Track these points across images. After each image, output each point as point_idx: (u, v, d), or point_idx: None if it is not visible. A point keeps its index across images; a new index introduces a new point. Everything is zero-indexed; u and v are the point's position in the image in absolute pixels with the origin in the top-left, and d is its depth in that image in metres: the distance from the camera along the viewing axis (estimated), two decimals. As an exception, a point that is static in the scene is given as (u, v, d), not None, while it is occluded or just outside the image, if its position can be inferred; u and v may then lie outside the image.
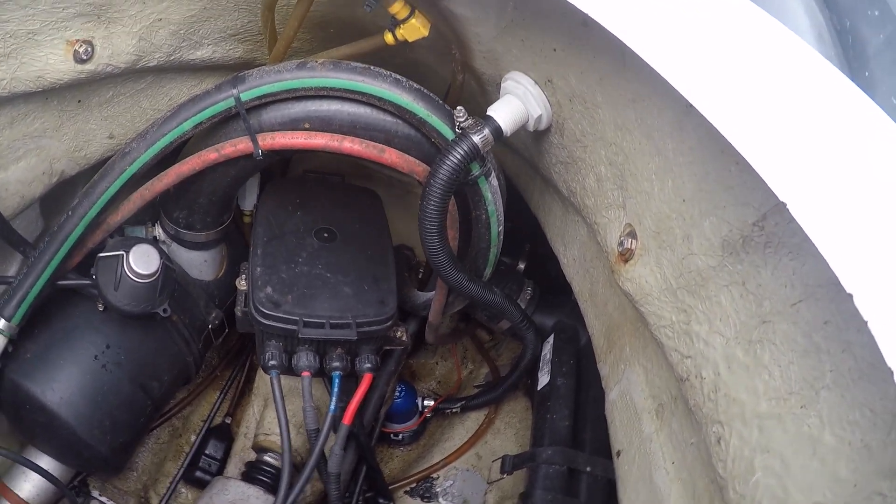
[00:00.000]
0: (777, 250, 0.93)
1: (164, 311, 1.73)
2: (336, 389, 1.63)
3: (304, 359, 1.65)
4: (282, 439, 1.59)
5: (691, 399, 1.09)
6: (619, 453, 1.42)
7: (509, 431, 2.35)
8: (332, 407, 1.60)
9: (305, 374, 1.64)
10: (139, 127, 1.74)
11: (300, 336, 1.62)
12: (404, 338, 1.86)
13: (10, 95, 1.47)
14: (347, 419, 1.64)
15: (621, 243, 1.32)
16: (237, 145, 1.54)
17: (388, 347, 1.95)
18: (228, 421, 2.35)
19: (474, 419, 2.39)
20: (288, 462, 1.58)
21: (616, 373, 1.47)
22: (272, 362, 1.65)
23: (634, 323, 1.41)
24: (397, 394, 2.26)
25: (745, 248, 0.99)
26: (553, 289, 2.14)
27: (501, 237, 1.70)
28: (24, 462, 1.60)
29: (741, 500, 0.92)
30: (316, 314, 1.64)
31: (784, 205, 0.79)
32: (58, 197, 1.85)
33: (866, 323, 0.69)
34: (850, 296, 0.71)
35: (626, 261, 1.30)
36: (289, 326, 1.63)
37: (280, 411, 1.58)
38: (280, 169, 2.34)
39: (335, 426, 1.65)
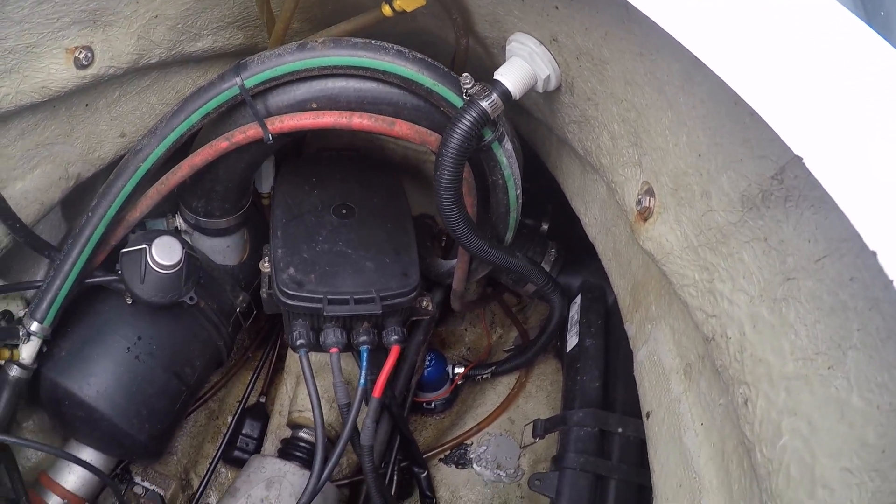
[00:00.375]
0: (798, 204, 0.90)
1: (191, 298, 1.75)
2: (364, 363, 1.65)
3: (332, 335, 1.66)
4: (314, 415, 1.60)
5: (718, 359, 1.07)
6: (648, 414, 1.41)
7: (541, 394, 2.35)
8: (362, 381, 1.62)
9: (333, 350, 1.65)
10: (149, 123, 1.74)
11: (325, 314, 1.63)
12: (430, 307, 1.85)
13: (17, 109, 1.47)
14: (377, 392, 1.65)
15: (639, 202, 1.29)
16: (247, 132, 1.54)
17: (414, 318, 1.95)
18: (263, 400, 2.38)
19: (505, 384, 2.40)
20: (321, 437, 1.60)
21: (643, 333, 1.46)
22: (300, 341, 1.66)
23: (659, 281, 1.39)
24: (427, 363, 2.27)
25: (766, 203, 0.96)
26: (578, 248, 2.12)
27: (520, 200, 1.68)
28: (67, 456, 1.63)
29: (769, 463, 0.90)
30: (339, 291, 1.65)
31: (800, 158, 0.76)
32: (77, 199, 1.86)
33: (892, 282, 0.66)
34: (874, 253, 0.68)
35: (646, 219, 1.28)
36: (313, 305, 1.64)
37: (311, 388, 1.59)
38: (294, 149, 2.33)
39: (366, 399, 1.66)
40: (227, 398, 2.43)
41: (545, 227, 2.24)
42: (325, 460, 1.60)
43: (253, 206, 1.99)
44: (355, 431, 1.70)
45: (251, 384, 2.42)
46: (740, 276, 1.03)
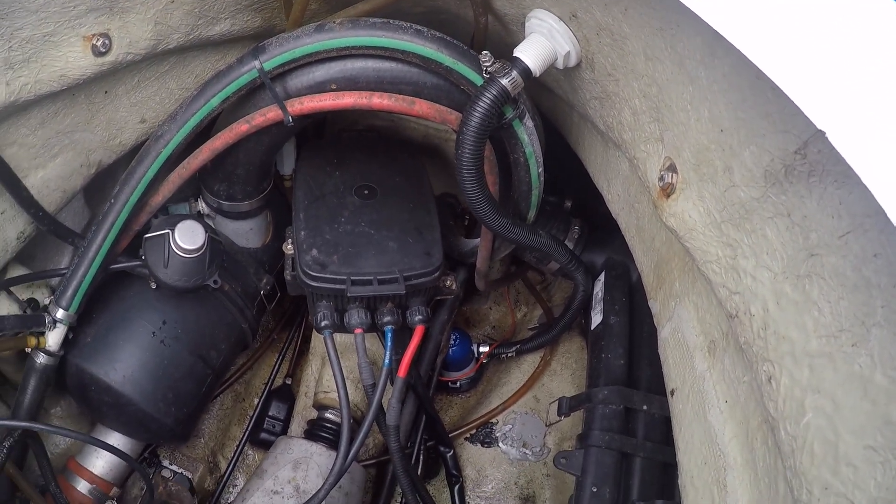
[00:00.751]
0: (822, 179, 0.88)
1: (215, 282, 1.75)
2: (389, 343, 1.65)
3: (356, 316, 1.66)
4: (339, 396, 1.61)
5: (742, 336, 1.06)
6: (673, 391, 1.40)
7: (566, 372, 2.35)
8: (387, 361, 1.62)
9: (358, 331, 1.65)
10: (169, 108, 1.75)
11: (349, 295, 1.63)
12: (454, 287, 1.85)
13: (36, 98, 1.48)
14: (402, 372, 1.65)
15: (662, 178, 1.28)
16: (267, 114, 1.54)
17: (438, 297, 1.95)
18: (289, 382, 2.39)
19: (530, 362, 2.40)
20: (347, 418, 1.61)
21: (667, 310, 1.45)
22: (324, 322, 1.67)
23: (682, 258, 1.38)
24: (452, 342, 2.27)
25: (789, 178, 0.95)
26: (602, 225, 2.11)
27: (542, 178, 1.67)
28: (95, 441, 1.66)
29: (793, 441, 0.89)
30: (363, 272, 1.65)
31: (823, 133, 0.75)
32: (100, 186, 1.88)
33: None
34: (898, 229, 0.67)
35: (668, 195, 1.27)
36: (337, 286, 1.64)
37: (336, 369, 1.60)
38: (315, 131, 2.33)
39: (391, 379, 1.66)
40: (253, 381, 2.46)
41: (568, 204, 2.23)
42: (351, 441, 1.61)
43: (275, 189, 1.99)
44: (381, 412, 1.71)
45: (277, 366, 2.44)
46: (763, 252, 1.02)
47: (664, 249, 1.47)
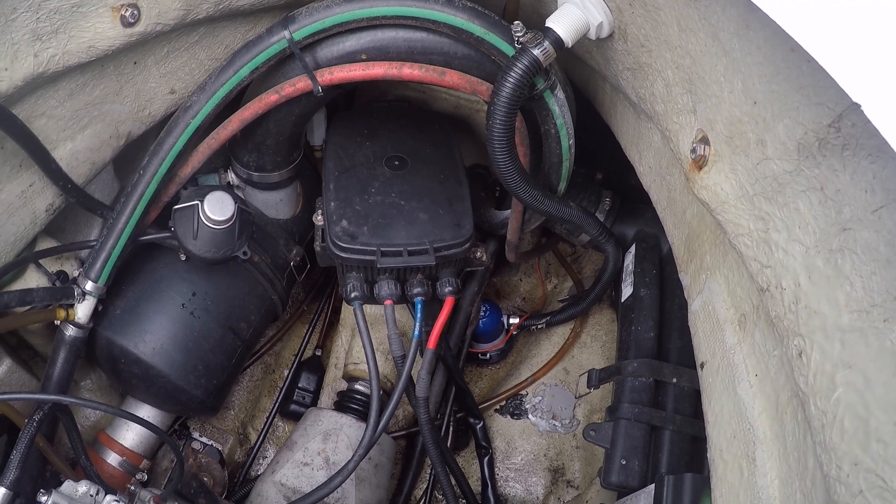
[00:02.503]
0: (855, 153, 0.87)
1: (244, 253, 1.77)
2: (419, 315, 1.65)
3: (386, 287, 1.67)
4: (368, 368, 1.62)
5: (772, 310, 1.05)
6: (702, 365, 1.40)
7: (595, 344, 2.35)
8: (416, 332, 1.62)
9: (388, 302, 1.65)
10: (199, 78, 1.75)
11: (379, 266, 1.64)
12: (484, 258, 1.84)
13: (65, 69, 1.48)
14: (432, 343, 1.65)
15: (694, 150, 1.27)
16: (296, 84, 1.54)
17: (469, 269, 1.95)
18: (319, 353, 2.42)
19: (560, 334, 2.40)
20: (376, 389, 1.62)
21: (697, 283, 1.44)
22: (354, 293, 1.68)
23: (714, 231, 1.37)
24: (482, 313, 2.28)
25: (822, 151, 0.93)
26: (633, 197, 2.10)
27: (573, 150, 1.66)
28: (125, 414, 1.67)
29: (823, 416, 0.89)
30: (393, 243, 1.65)
31: (858, 106, 0.74)
32: (129, 158, 1.89)
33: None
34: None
35: (700, 168, 1.25)
36: (367, 257, 1.64)
37: (365, 341, 1.61)
38: (345, 101, 2.33)
39: (421, 351, 1.67)
40: (283, 352, 2.48)
41: (599, 176, 2.22)
42: (381, 412, 1.62)
43: (305, 160, 2.00)
44: (410, 383, 1.72)
45: (307, 337, 2.45)
46: (796, 225, 1.00)
47: (695, 222, 1.46)
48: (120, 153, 1.76)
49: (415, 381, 1.72)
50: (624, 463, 1.74)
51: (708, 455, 1.32)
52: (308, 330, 2.46)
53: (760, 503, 1.11)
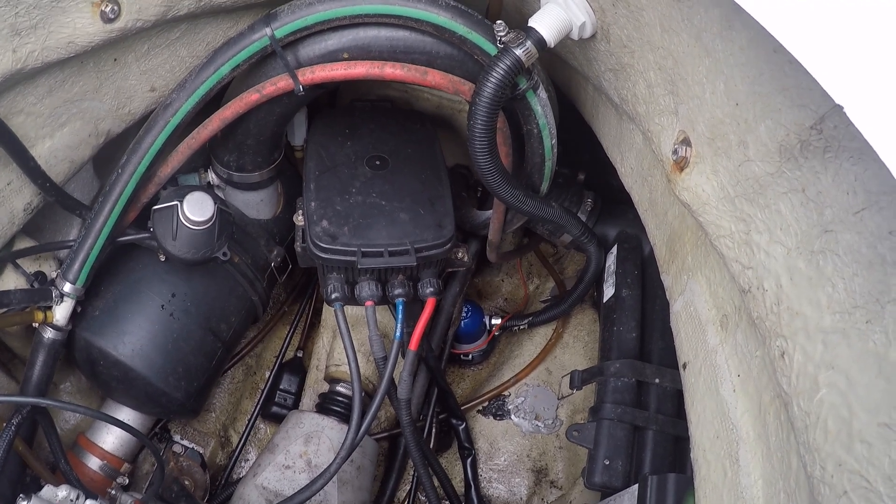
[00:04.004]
0: (837, 155, 0.87)
1: (224, 254, 1.76)
2: (400, 316, 1.65)
3: (367, 289, 1.67)
4: (350, 370, 1.62)
5: (754, 311, 1.06)
6: (685, 365, 1.40)
7: (578, 345, 2.36)
8: (398, 334, 1.62)
9: (369, 303, 1.66)
10: (180, 76, 1.73)
11: (359, 267, 1.63)
12: (466, 259, 1.85)
13: (43, 65, 1.47)
14: (414, 345, 1.65)
15: (675, 151, 1.27)
16: (278, 83, 1.53)
17: (450, 269, 1.94)
18: (300, 354, 2.41)
19: (542, 334, 2.41)
20: (358, 391, 1.62)
21: (679, 284, 1.44)
22: (335, 295, 1.67)
23: (695, 232, 1.37)
24: (464, 314, 2.28)
25: (804, 153, 0.94)
26: (615, 198, 2.10)
27: (556, 150, 1.66)
28: (105, 417, 1.67)
29: (806, 417, 0.89)
30: (374, 243, 1.65)
31: (841, 108, 0.74)
32: (109, 156, 1.87)
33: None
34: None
35: (682, 169, 1.26)
36: (347, 258, 1.64)
37: (346, 342, 1.61)
38: (327, 100, 2.32)
39: (403, 352, 1.67)
40: (264, 354, 2.47)
41: (581, 176, 2.22)
42: (363, 414, 1.62)
43: (286, 160, 1.99)
44: (392, 385, 1.72)
45: (288, 339, 2.45)
46: (777, 227, 1.01)
47: (677, 223, 1.47)
48: (99, 151, 1.74)
49: (396, 382, 1.71)
50: (607, 463, 1.75)
51: (691, 455, 1.33)
52: (289, 331, 2.46)
53: (744, 503, 1.11)
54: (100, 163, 1.91)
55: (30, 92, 1.52)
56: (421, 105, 2.22)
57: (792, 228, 0.97)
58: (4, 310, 1.60)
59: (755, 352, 1.13)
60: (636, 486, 1.55)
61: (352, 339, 1.61)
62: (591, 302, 2.40)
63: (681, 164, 1.26)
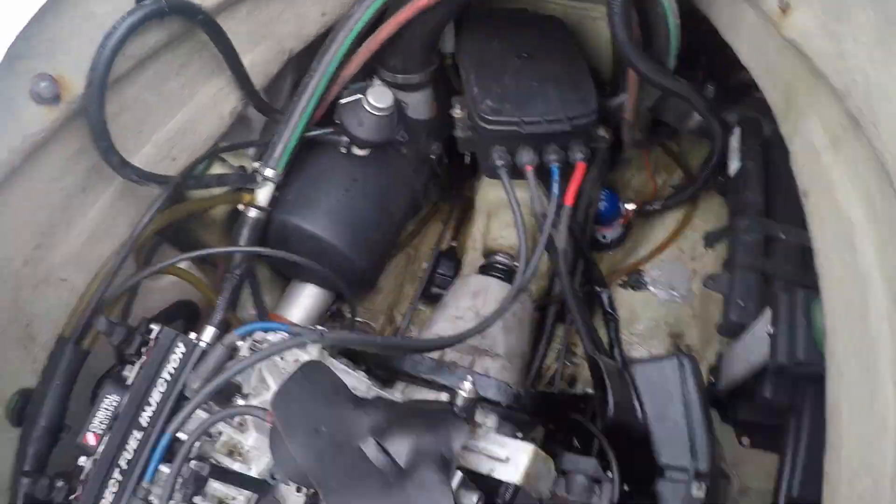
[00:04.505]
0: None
1: (402, 136, 2.08)
2: (556, 177, 1.94)
3: (526, 155, 1.96)
4: (515, 219, 1.86)
5: (853, 106, 1.29)
6: (805, 193, 1.61)
7: (707, 227, 2.52)
8: (556, 191, 1.90)
9: (528, 168, 1.95)
10: (346, 2, 2.00)
11: (523, 132, 1.93)
12: (607, 136, 2.12)
13: None
14: (569, 200, 1.92)
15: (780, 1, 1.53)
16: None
17: (593, 145, 2.15)
18: (454, 244, 2.65)
19: (673, 218, 2.59)
20: (523, 238, 1.86)
21: (796, 126, 1.65)
22: (500, 162, 1.97)
23: (806, 78, 1.57)
24: (602, 197, 2.48)
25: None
26: (734, 87, 2.29)
27: (679, 30, 1.89)
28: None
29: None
30: (532, 114, 1.95)
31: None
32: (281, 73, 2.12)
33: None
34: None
35: (785, 12, 1.52)
36: (512, 128, 1.95)
37: (511, 198, 1.90)
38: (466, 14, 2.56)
39: (559, 209, 1.92)
40: (421, 246, 2.72)
41: (701, 73, 2.38)
42: (528, 263, 1.83)
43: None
44: (550, 241, 1.93)
45: (444, 231, 2.71)
46: (859, 32, 1.26)
47: (789, 75, 1.66)
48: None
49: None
50: (741, 304, 1.95)
51: (816, 263, 1.54)
52: (444, 224, 2.70)
53: (862, 277, 1.34)
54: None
55: (234, 16, 1.80)
56: (550, 12, 2.43)
57: (866, 29, 1.23)
58: (225, 188, 1.87)
59: (860, 151, 1.35)
60: (768, 309, 1.73)
61: (516, 198, 1.89)
62: (718, 188, 2.56)
63: (785, 10, 1.51)
